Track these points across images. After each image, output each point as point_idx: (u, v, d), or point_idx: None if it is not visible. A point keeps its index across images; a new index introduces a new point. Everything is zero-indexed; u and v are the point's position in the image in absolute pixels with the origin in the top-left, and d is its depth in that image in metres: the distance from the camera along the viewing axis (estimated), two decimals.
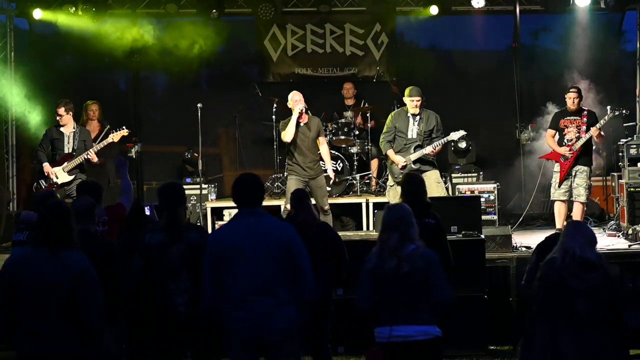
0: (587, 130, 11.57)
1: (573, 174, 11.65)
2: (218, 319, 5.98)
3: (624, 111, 12.03)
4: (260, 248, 5.85)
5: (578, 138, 11.62)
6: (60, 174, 11.81)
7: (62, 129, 11.97)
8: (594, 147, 12.54)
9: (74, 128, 12.00)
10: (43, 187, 11.78)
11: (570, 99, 11.75)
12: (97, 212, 7.59)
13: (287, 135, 11.51)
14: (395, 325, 5.97)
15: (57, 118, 11.95)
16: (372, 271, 6.05)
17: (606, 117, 11.74)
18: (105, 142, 12.05)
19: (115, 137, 12.04)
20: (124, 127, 12.17)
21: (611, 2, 14.19)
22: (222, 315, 5.94)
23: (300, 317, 5.97)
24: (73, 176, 11.82)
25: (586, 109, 11.86)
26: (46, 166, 11.81)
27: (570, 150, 11.60)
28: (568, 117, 11.79)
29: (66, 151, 11.92)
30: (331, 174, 12.05)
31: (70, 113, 11.98)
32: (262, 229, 5.93)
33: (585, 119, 11.66)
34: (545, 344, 5.93)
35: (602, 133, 11.72)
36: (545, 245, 6.89)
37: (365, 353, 6.30)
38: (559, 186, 11.70)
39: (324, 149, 11.90)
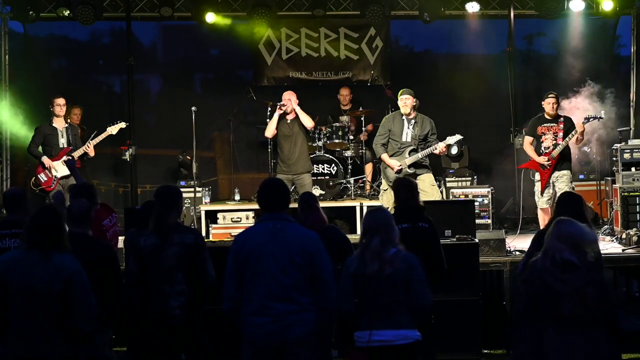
0: (565, 136, 11.57)
1: (554, 180, 11.66)
2: (238, 321, 5.95)
3: (600, 115, 12.02)
4: (283, 254, 5.82)
5: (555, 145, 11.62)
6: (59, 167, 11.92)
7: (54, 124, 12.12)
8: (582, 148, 12.60)
9: (65, 123, 12.18)
10: (42, 181, 11.95)
11: (550, 105, 11.76)
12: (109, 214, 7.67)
13: (267, 130, 12.40)
14: (375, 329, 5.96)
15: (56, 109, 12.08)
16: (353, 274, 6.03)
17: (584, 121, 11.69)
18: (103, 136, 12.21)
19: (113, 129, 12.25)
20: (119, 120, 12.41)
21: (606, 6, 14.22)
22: (240, 318, 5.92)
23: (318, 323, 5.92)
24: None
25: (562, 115, 11.87)
26: (46, 159, 11.97)
27: (548, 159, 11.61)
28: (545, 124, 11.80)
29: (61, 146, 12.07)
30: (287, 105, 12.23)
31: (65, 108, 12.20)
32: (287, 235, 5.90)
33: (562, 126, 11.68)
34: (531, 346, 5.93)
35: (584, 133, 11.71)
36: (542, 235, 6.97)
37: (347, 357, 6.30)
38: (542, 195, 11.72)
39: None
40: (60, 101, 12.11)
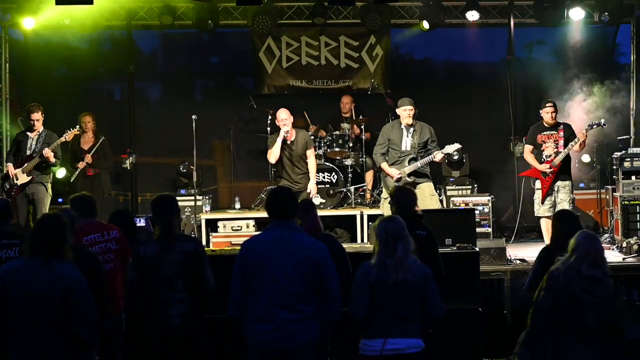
0: (566, 144, 11.56)
1: (555, 189, 11.63)
2: (241, 327, 6.00)
3: (602, 122, 11.95)
4: (288, 262, 5.88)
5: (557, 153, 11.60)
6: (19, 175, 11.97)
7: (27, 132, 12.17)
8: (585, 160, 12.61)
9: (39, 131, 12.14)
10: (6, 189, 12.02)
11: (549, 114, 11.72)
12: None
13: (272, 156, 11.96)
14: (390, 337, 5.97)
15: (34, 122, 12.10)
16: (373, 282, 6.03)
17: (587, 128, 11.69)
18: (58, 142, 12.11)
19: (68, 136, 12.16)
20: (77, 127, 12.31)
21: (605, 18, 14.22)
22: (245, 324, 5.96)
23: (321, 333, 5.97)
24: (30, 177, 11.97)
25: (562, 122, 11.86)
26: (9, 166, 12.09)
27: (550, 167, 11.59)
28: (545, 132, 11.77)
29: (27, 153, 12.09)
30: (313, 188, 12.13)
31: (41, 120, 12.16)
32: (293, 244, 5.96)
33: (562, 133, 11.66)
34: (550, 352, 5.95)
35: (585, 142, 11.71)
36: (549, 251, 6.97)
37: None
38: (542, 203, 11.69)
39: (311, 162, 12.13)
40: (37, 115, 12.11)
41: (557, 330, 5.94)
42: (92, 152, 12.39)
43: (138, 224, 9.49)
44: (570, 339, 5.89)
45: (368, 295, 6.03)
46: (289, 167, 12.01)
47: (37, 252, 5.74)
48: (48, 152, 11.89)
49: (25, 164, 11.97)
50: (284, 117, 11.82)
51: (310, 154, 12.09)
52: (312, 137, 13.45)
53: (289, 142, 11.92)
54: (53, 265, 5.70)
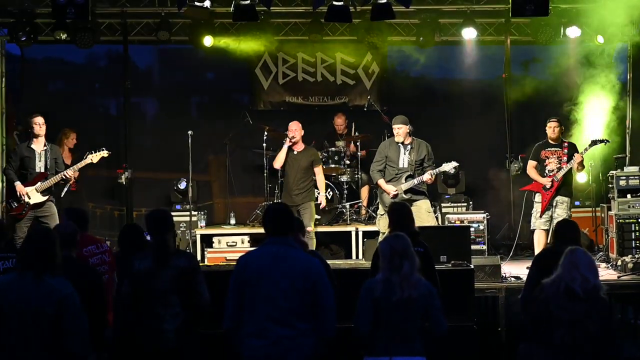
0: (568, 161, 11.66)
1: (554, 204, 11.72)
2: (235, 342, 5.98)
3: (605, 140, 12.07)
4: (284, 278, 5.86)
5: (559, 169, 11.70)
6: (33, 194, 11.25)
7: (33, 145, 11.41)
8: (580, 177, 12.62)
9: (45, 145, 11.49)
10: (13, 207, 11.30)
11: (551, 128, 11.90)
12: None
13: (276, 161, 12.35)
14: (395, 355, 5.98)
15: (36, 128, 11.37)
16: (377, 299, 6.03)
17: (588, 147, 11.83)
18: (84, 163, 11.66)
19: (94, 157, 11.69)
20: (103, 149, 11.85)
21: (601, 37, 14.23)
22: (238, 339, 5.95)
23: (315, 349, 5.93)
24: (46, 197, 11.33)
25: (567, 140, 11.95)
26: (19, 185, 11.26)
27: (551, 180, 11.67)
28: (549, 149, 11.92)
29: (37, 170, 11.38)
30: (323, 202, 12.41)
31: (45, 127, 11.49)
32: (289, 260, 5.94)
33: (566, 150, 11.82)
34: None
35: (583, 163, 11.82)
36: (543, 257, 6.94)
37: None
38: (541, 216, 11.76)
39: (319, 179, 12.35)
40: (39, 120, 11.38)
41: (539, 345, 5.92)
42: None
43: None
44: (550, 354, 5.87)
45: (372, 311, 6.04)
46: (289, 179, 12.14)
47: (28, 267, 5.71)
48: (71, 173, 11.46)
49: (39, 183, 11.27)
50: (292, 127, 12.28)
51: (319, 170, 12.37)
52: None
53: (295, 152, 12.21)
54: (44, 279, 5.67)
